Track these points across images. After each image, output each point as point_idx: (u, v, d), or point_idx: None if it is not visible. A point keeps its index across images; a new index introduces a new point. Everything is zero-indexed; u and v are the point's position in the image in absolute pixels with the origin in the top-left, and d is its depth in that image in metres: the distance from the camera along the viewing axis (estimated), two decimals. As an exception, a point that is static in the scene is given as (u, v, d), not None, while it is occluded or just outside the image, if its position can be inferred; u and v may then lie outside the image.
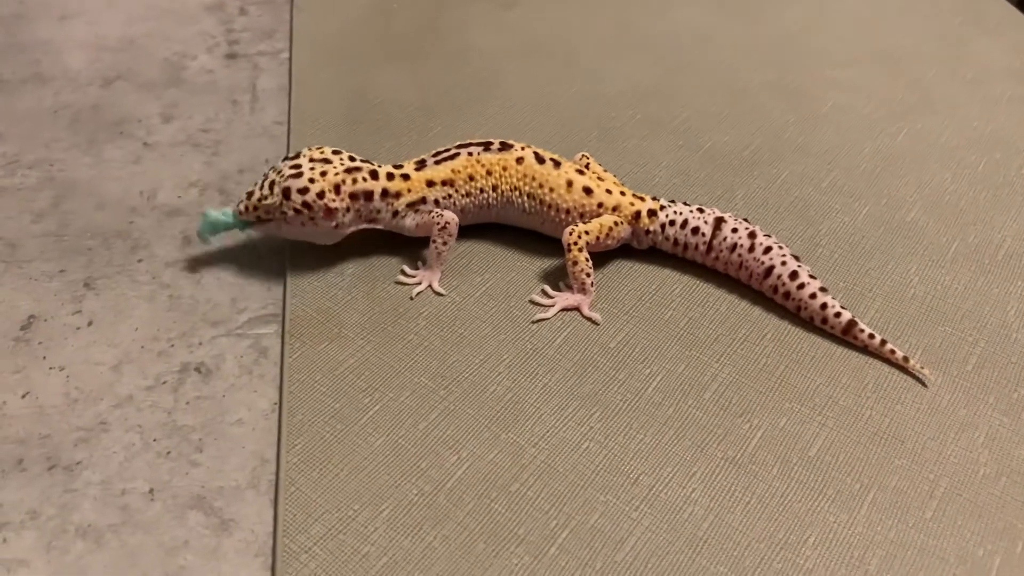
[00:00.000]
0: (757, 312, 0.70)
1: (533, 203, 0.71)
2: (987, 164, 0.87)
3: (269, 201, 0.67)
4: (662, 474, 0.59)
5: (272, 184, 0.67)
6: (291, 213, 0.67)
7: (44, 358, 0.66)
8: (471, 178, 0.70)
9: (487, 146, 0.71)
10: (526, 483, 0.58)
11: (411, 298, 0.70)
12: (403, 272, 0.72)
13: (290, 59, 0.97)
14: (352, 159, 0.69)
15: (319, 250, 0.73)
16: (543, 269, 0.73)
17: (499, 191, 0.71)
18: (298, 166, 0.67)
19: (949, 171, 0.86)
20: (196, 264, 0.73)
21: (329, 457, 0.59)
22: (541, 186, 0.70)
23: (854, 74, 0.99)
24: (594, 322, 0.69)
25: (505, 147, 0.71)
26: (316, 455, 0.59)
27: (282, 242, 0.75)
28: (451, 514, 0.56)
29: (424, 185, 0.70)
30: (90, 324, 0.68)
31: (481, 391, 0.64)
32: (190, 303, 0.70)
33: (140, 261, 0.74)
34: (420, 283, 0.71)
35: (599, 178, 0.72)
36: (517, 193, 0.71)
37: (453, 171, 0.70)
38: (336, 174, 0.67)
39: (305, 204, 0.67)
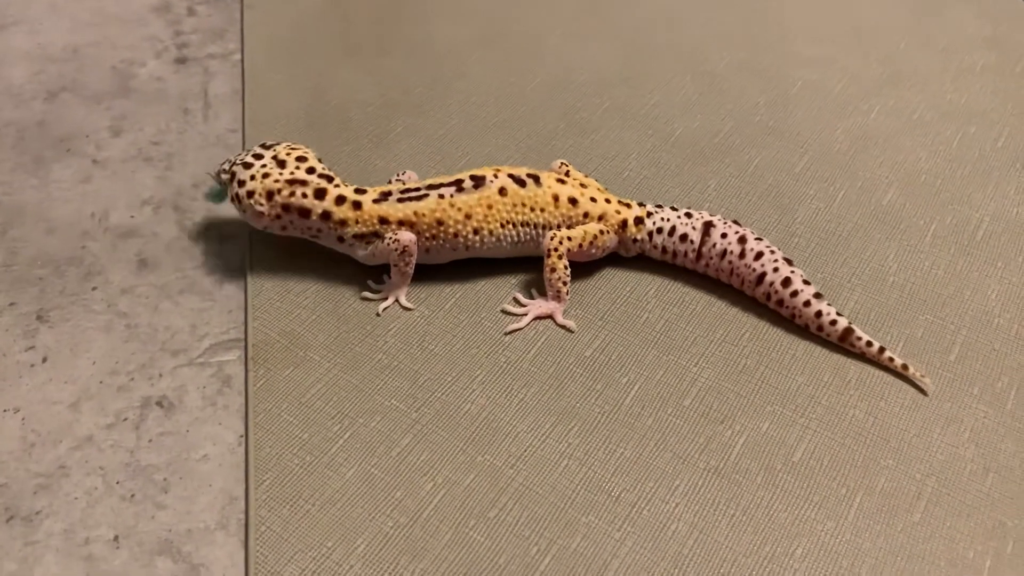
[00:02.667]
0: (734, 311, 0.68)
1: (527, 230, 0.68)
2: (962, 139, 0.85)
3: (224, 177, 0.69)
4: (644, 489, 0.58)
5: (231, 163, 0.68)
6: (232, 196, 0.67)
7: (-3, 400, 0.63)
8: (440, 223, 0.66)
9: (458, 185, 0.67)
10: (504, 508, 0.56)
11: (378, 314, 0.68)
12: (369, 287, 0.70)
13: (242, 61, 0.94)
14: (311, 171, 0.67)
15: (281, 268, 0.71)
16: (515, 277, 0.71)
17: (483, 233, 0.67)
18: (259, 156, 0.67)
19: (924, 148, 0.84)
20: (153, 289, 0.71)
21: (299, 492, 0.57)
22: (532, 210, 0.67)
23: (825, 51, 0.96)
24: (569, 330, 0.67)
25: (478, 182, 0.67)
26: (286, 490, 0.57)
27: (242, 262, 0.72)
28: (428, 546, 0.54)
29: (376, 221, 0.66)
30: (45, 360, 0.65)
31: (455, 411, 0.62)
32: (148, 332, 0.68)
33: (95, 289, 0.71)
34: (387, 298, 0.69)
35: (582, 185, 0.69)
36: (510, 227, 0.67)
37: (416, 214, 0.66)
38: (275, 181, 0.66)
39: (237, 196, 0.67)
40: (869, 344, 0.64)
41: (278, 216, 0.66)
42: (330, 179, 0.67)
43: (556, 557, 0.54)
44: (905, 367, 0.63)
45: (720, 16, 1.02)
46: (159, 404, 0.63)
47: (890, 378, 0.64)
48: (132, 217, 0.77)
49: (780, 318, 0.67)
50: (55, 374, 0.65)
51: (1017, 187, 0.80)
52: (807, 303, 0.65)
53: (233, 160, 0.69)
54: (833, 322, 0.64)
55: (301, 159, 0.67)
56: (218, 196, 0.72)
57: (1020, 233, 0.75)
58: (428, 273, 0.70)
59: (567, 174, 0.71)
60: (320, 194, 0.66)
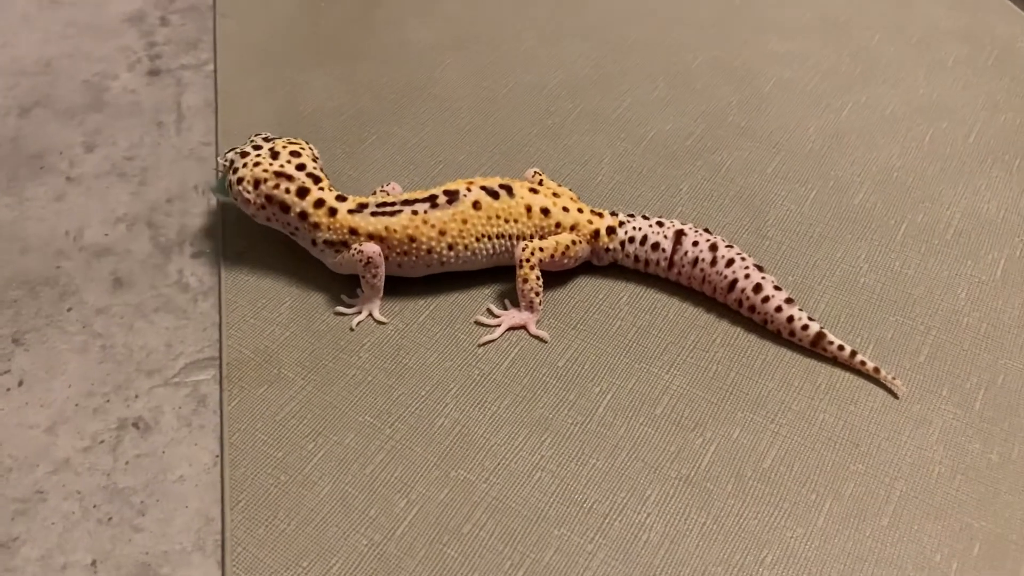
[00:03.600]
0: (706, 317, 0.69)
1: (501, 242, 0.68)
2: (933, 135, 0.85)
3: (221, 163, 0.71)
4: (616, 500, 0.58)
5: (233, 151, 0.71)
6: (228, 182, 0.70)
7: (-26, 426, 0.63)
8: (412, 239, 0.66)
9: (432, 201, 0.67)
10: (478, 523, 0.57)
11: (351, 329, 0.68)
12: (342, 301, 0.70)
13: (215, 71, 0.93)
14: (300, 168, 0.68)
15: (255, 284, 0.71)
16: (488, 288, 0.71)
17: (457, 248, 0.67)
18: (258, 147, 0.70)
19: (896, 145, 0.84)
20: (128, 309, 0.71)
21: (275, 512, 0.58)
22: (506, 221, 0.68)
23: (797, 46, 0.96)
24: (542, 340, 0.67)
25: (452, 196, 0.67)
26: (261, 510, 0.58)
27: (216, 279, 0.72)
28: (403, 564, 0.55)
29: (347, 230, 0.67)
30: (20, 384, 0.66)
31: (428, 425, 0.62)
32: (123, 352, 0.68)
33: (70, 310, 0.71)
34: (360, 312, 0.69)
35: (554, 194, 0.70)
36: (485, 240, 0.68)
37: (387, 229, 0.66)
38: (264, 170, 0.68)
39: (230, 183, 0.69)
40: (841, 348, 0.64)
41: (262, 206, 0.68)
42: (317, 180, 0.68)
43: (529, 570, 0.55)
44: (877, 370, 0.63)
45: (693, 12, 1.02)
46: (135, 426, 0.63)
47: (860, 381, 0.64)
48: (106, 235, 0.77)
49: (752, 324, 0.68)
50: (31, 398, 0.65)
51: (987, 183, 0.80)
52: (779, 308, 0.65)
53: (234, 148, 0.71)
54: (805, 327, 0.65)
55: (295, 154, 0.69)
56: (222, 190, 0.72)
57: (989, 230, 0.76)
58: (402, 286, 0.70)
59: (540, 183, 0.72)
60: (302, 193, 0.67)
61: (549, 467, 0.60)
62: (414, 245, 0.67)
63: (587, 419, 0.63)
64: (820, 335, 0.64)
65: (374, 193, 0.72)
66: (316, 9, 1.02)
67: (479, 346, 0.67)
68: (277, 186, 0.67)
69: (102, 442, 0.62)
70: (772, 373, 0.65)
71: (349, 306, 0.69)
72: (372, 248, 0.66)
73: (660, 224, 0.70)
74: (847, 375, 0.65)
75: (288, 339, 0.68)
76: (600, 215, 0.70)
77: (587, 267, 0.72)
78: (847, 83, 0.91)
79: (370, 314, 0.69)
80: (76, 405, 0.64)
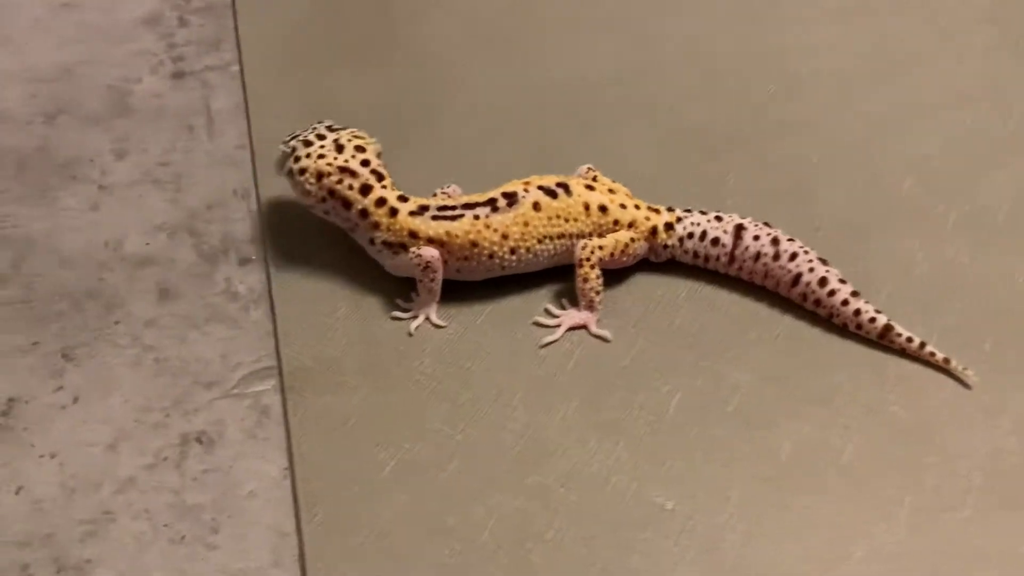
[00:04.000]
0: (767, 311, 0.68)
1: (562, 242, 0.67)
2: (973, 121, 0.85)
3: (283, 148, 0.69)
4: (697, 502, 0.58)
5: (296, 138, 0.69)
6: (288, 170, 0.68)
7: (33, 445, 0.62)
8: (474, 244, 0.65)
9: (492, 205, 0.66)
10: (560, 529, 0.56)
11: (410, 334, 0.67)
12: (398, 305, 0.69)
13: (241, 73, 0.91)
14: (365, 163, 0.67)
15: (307, 290, 0.70)
16: (544, 288, 0.70)
17: (520, 251, 0.66)
18: (322, 136, 0.68)
19: (935, 132, 0.84)
20: (178, 319, 0.69)
21: (352, 524, 0.57)
22: (566, 221, 0.67)
23: (829, 34, 0.95)
24: (604, 340, 0.67)
25: (511, 199, 0.66)
26: (339, 523, 0.57)
27: (265, 286, 0.71)
28: (487, 573, 0.54)
29: (406, 234, 0.66)
30: (76, 401, 0.64)
31: (499, 430, 0.61)
32: (178, 364, 0.66)
33: (117, 323, 0.69)
34: (416, 316, 0.68)
35: (610, 191, 0.69)
36: (547, 241, 0.67)
37: (448, 234, 0.65)
38: (328, 164, 0.66)
39: (291, 171, 0.67)
40: (909, 340, 0.64)
41: (323, 199, 0.67)
42: (380, 177, 0.67)
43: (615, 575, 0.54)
44: (947, 360, 0.63)
45: (719, 1, 1.01)
46: (198, 440, 0.62)
47: (929, 372, 0.64)
48: (147, 244, 0.75)
49: (815, 317, 0.67)
50: (88, 415, 0.63)
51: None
52: (845, 302, 0.65)
53: (296, 134, 0.70)
54: (872, 319, 0.64)
55: (360, 149, 0.67)
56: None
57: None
58: (456, 288, 0.69)
59: (595, 179, 0.71)
60: (365, 190, 0.66)
61: (625, 470, 0.59)
62: (476, 250, 0.66)
63: (658, 420, 0.62)
64: (888, 327, 0.64)
65: (434, 195, 0.71)
66: (333, 6, 1.00)
67: (540, 348, 0.66)
68: (340, 181, 0.66)
69: (166, 459, 0.61)
70: (839, 366, 0.65)
71: (405, 310, 0.68)
72: (431, 253, 0.65)
73: (719, 219, 0.69)
74: (914, 366, 0.64)
75: (347, 346, 0.66)
76: (657, 211, 0.69)
77: (643, 263, 0.71)
78: (881, 70, 0.91)
79: (427, 318, 0.68)
80: (135, 421, 0.63)
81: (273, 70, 0.91)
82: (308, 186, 0.66)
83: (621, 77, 0.90)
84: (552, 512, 0.57)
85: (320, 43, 0.95)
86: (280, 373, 0.65)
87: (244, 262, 0.74)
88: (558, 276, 0.70)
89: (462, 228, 0.65)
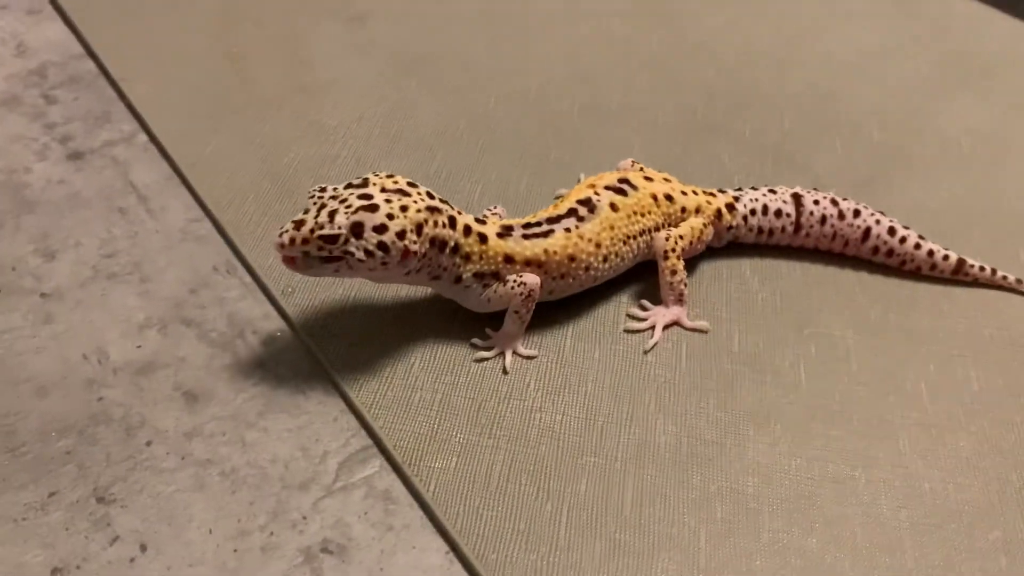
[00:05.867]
0: (834, 271, 0.68)
1: (643, 239, 0.63)
2: (899, 70, 0.91)
3: (328, 232, 0.53)
4: (877, 462, 0.56)
5: (333, 213, 0.53)
6: (359, 254, 0.54)
7: (114, 618, 0.48)
8: (572, 259, 0.60)
9: (575, 215, 0.61)
10: (775, 530, 0.52)
11: (505, 372, 0.60)
12: (475, 346, 0.61)
13: (156, 141, 0.79)
14: (431, 195, 0.57)
15: (360, 353, 0.60)
16: (614, 294, 0.65)
17: (611, 258, 0.62)
18: (368, 196, 0.54)
19: (877, 82, 0.89)
20: (224, 423, 0.57)
21: (558, 587, 0.49)
22: (642, 216, 0.63)
23: (754, 6, 0.99)
24: (702, 331, 0.63)
25: (589, 205, 0.61)
26: (543, 592, 0.49)
27: (308, 360, 0.61)
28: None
29: (501, 259, 0.59)
30: (144, 549, 0.51)
31: (652, 447, 0.56)
32: (254, 472, 0.55)
33: (149, 444, 0.56)
34: (505, 353, 0.61)
35: (665, 179, 0.65)
36: (631, 242, 0.62)
37: (547, 252, 0.59)
38: (418, 211, 0.55)
39: (381, 245, 0.54)
40: (982, 269, 0.66)
41: (424, 254, 0.56)
42: (445, 202, 0.58)
43: (837, 543, 0.51)
44: (1020, 281, 0.66)
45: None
46: (325, 551, 0.51)
47: (994, 294, 0.67)
48: (139, 347, 0.62)
49: (881, 268, 0.68)
50: (169, 560, 0.50)
51: (974, 99, 0.87)
52: (917, 245, 0.66)
53: (325, 206, 0.54)
54: (946, 257, 0.66)
55: (411, 185, 0.57)
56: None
57: (996, 142, 0.82)
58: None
59: (641, 170, 0.67)
60: (452, 223, 0.57)
61: (793, 451, 0.56)
62: (573, 265, 0.60)
63: (796, 394, 0.60)
64: (961, 261, 0.66)
65: (485, 216, 0.64)
66: (231, 55, 0.89)
67: (646, 353, 0.62)
68: (436, 223, 0.56)
69: (297, 582, 0.50)
70: (925, 307, 0.66)
71: (487, 348, 0.61)
72: (534, 279, 0.59)
73: (772, 191, 0.68)
74: (985, 292, 0.67)
75: (441, 402, 0.58)
76: (712, 194, 0.67)
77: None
78: (812, 30, 0.95)
79: (514, 352, 0.61)
80: (234, 551, 0.51)
81: (192, 132, 0.79)
82: (412, 246, 0.54)
83: (576, 80, 0.88)
84: (756, 512, 0.53)
85: (229, 95, 0.84)
86: (384, 451, 0.56)
87: (269, 341, 0.62)
88: (623, 280, 0.66)
89: (559, 243, 0.60)
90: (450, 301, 0.63)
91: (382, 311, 0.64)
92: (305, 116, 0.82)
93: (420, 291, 0.65)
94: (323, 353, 0.61)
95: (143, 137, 0.80)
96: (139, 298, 0.65)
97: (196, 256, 0.69)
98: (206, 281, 0.67)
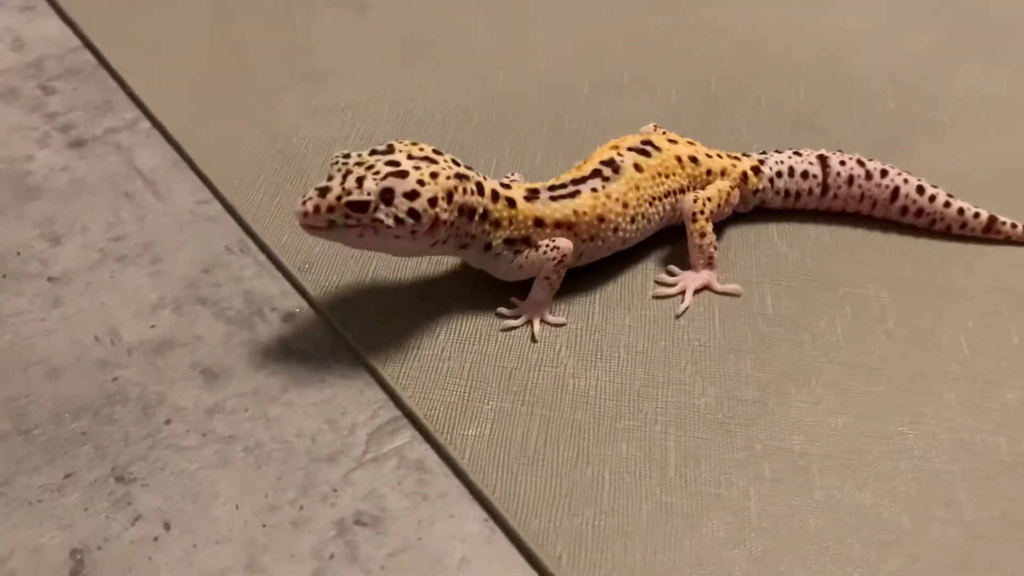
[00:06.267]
0: (861, 233, 0.67)
1: (669, 200, 0.61)
2: (904, 38, 0.90)
3: (357, 198, 0.51)
4: (924, 417, 0.54)
5: (361, 179, 0.51)
6: (388, 221, 0.51)
7: (141, 599, 0.45)
8: (601, 219, 0.58)
9: (600, 175, 0.59)
10: (826, 486, 0.50)
11: (534, 340, 0.58)
12: (502, 316, 0.59)
13: (161, 128, 0.76)
14: (456, 163, 0.55)
15: (387, 326, 0.58)
16: (639, 261, 0.64)
17: (638, 220, 0.60)
18: (396, 163, 0.52)
19: (878, 51, 0.88)
20: (246, 399, 0.55)
21: (606, 551, 0.47)
22: (667, 177, 0.61)
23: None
24: (735, 294, 0.61)
25: (613, 166, 0.60)
26: (588, 556, 0.47)
27: (330, 333, 0.58)
28: (767, 555, 0.47)
29: (531, 223, 0.57)
30: (168, 528, 0.48)
31: (692, 409, 0.54)
32: (280, 447, 0.52)
33: (168, 422, 0.54)
34: (532, 320, 0.59)
35: (690, 143, 0.64)
36: (657, 203, 0.61)
37: (576, 213, 0.57)
38: (448, 178, 0.53)
39: (412, 212, 0.52)
40: (1014, 226, 0.65)
41: (452, 223, 0.54)
42: (471, 169, 0.56)
43: (895, 496, 0.49)
44: None
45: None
46: (359, 523, 0.49)
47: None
48: (152, 327, 0.59)
49: (909, 229, 0.67)
50: (195, 537, 0.48)
51: (986, 65, 0.86)
52: (947, 203, 0.65)
53: (351, 173, 0.52)
54: (976, 215, 0.65)
55: (437, 152, 0.55)
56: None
57: (1014, 106, 0.81)
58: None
59: (664, 134, 0.66)
60: (480, 189, 0.55)
61: (837, 409, 0.54)
62: (603, 226, 0.58)
63: (835, 352, 0.58)
64: (992, 219, 0.65)
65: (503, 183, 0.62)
66: (232, 43, 0.88)
67: (677, 317, 0.60)
68: (466, 190, 0.54)
69: (332, 557, 0.47)
70: (956, 264, 0.64)
71: (516, 317, 0.59)
72: (567, 243, 0.57)
73: (798, 154, 0.67)
74: (1017, 250, 0.65)
75: (471, 371, 0.56)
76: (737, 158, 0.65)
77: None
78: (818, 2, 0.95)
79: (542, 320, 0.59)
80: (263, 526, 0.48)
81: (197, 116, 0.77)
82: (443, 214, 0.52)
83: (579, 60, 0.86)
84: (801, 471, 0.51)
85: (232, 82, 0.82)
86: (415, 421, 0.53)
87: (289, 317, 0.60)
88: (646, 244, 0.64)
89: (587, 204, 0.58)
90: (472, 272, 0.61)
91: (402, 284, 0.62)
92: (310, 100, 0.80)
93: (441, 264, 0.63)
94: (345, 327, 0.59)
95: (146, 124, 0.78)
96: (151, 279, 0.63)
97: (207, 237, 0.67)
98: (219, 261, 0.65)
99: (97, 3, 0.92)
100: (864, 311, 0.61)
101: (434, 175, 0.52)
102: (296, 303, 0.61)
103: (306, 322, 0.60)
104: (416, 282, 0.62)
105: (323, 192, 0.52)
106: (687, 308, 0.60)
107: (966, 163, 0.74)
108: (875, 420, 0.54)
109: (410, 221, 0.52)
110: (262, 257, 0.65)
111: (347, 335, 0.58)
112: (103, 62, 0.85)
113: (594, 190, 0.58)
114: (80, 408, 0.54)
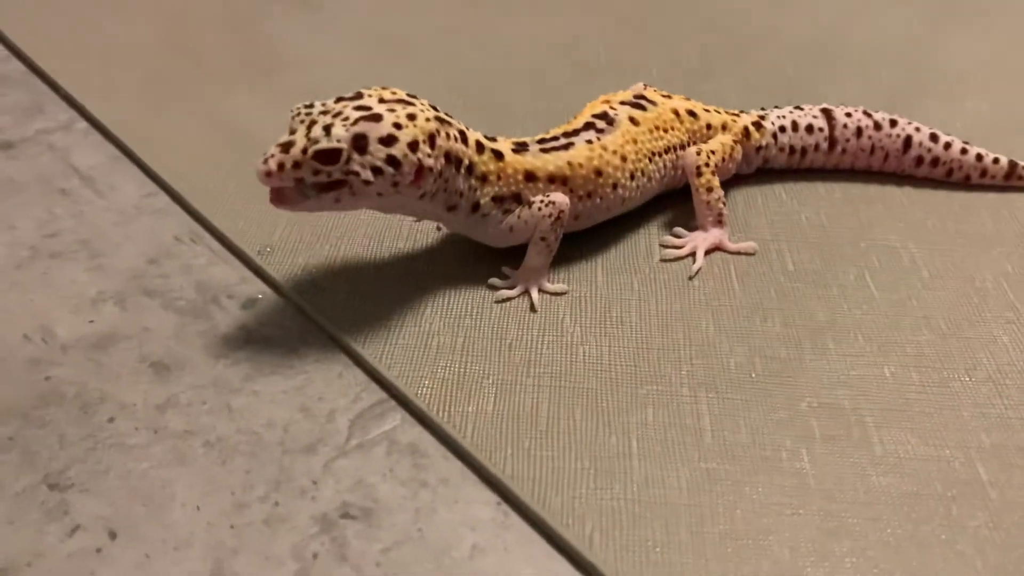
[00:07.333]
0: (874, 189, 0.62)
1: (669, 157, 0.55)
2: (886, 11, 0.87)
3: (325, 146, 0.43)
4: (980, 362, 0.48)
5: (328, 128, 0.43)
6: (365, 173, 0.44)
7: (82, 620, 0.37)
8: (599, 173, 0.52)
9: (593, 128, 0.53)
10: (886, 440, 0.44)
11: (533, 310, 0.51)
12: (495, 287, 0.52)
13: (98, 126, 0.69)
14: (435, 108, 0.48)
15: (361, 306, 0.51)
16: (641, 226, 0.58)
17: (638, 176, 0.54)
18: (367, 107, 0.45)
19: (866, 21, 0.84)
20: (203, 390, 0.47)
21: (644, 526, 0.39)
22: (665, 131, 0.55)
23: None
24: (749, 253, 0.55)
25: (606, 119, 0.54)
26: (623, 533, 0.39)
27: (298, 317, 0.51)
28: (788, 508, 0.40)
29: (522, 177, 0.50)
30: (113, 536, 0.40)
31: (721, 369, 0.47)
32: (246, 439, 0.44)
33: (111, 420, 0.45)
34: (530, 290, 0.52)
35: (685, 99, 0.59)
36: (657, 159, 0.55)
37: (571, 165, 0.51)
38: (427, 120, 0.46)
39: (391, 160, 0.44)
40: None
41: (440, 174, 0.47)
42: (451, 116, 0.49)
43: (963, 450, 0.42)
44: None
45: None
46: (347, 516, 0.41)
47: (1051, 194, 0.61)
48: (91, 322, 0.51)
49: (920, 181, 0.62)
50: (147, 546, 0.39)
51: (974, 35, 0.82)
52: (964, 150, 0.60)
53: (316, 123, 0.44)
54: (996, 160, 0.60)
55: (411, 95, 0.48)
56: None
57: (1008, 68, 0.77)
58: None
59: (655, 91, 0.60)
60: (463, 137, 0.48)
61: (883, 360, 0.48)
62: (600, 180, 0.52)
63: (869, 305, 0.52)
64: (1013, 164, 0.60)
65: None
66: (189, 32, 0.82)
67: (690, 279, 0.54)
68: (449, 136, 0.47)
69: (316, 556, 0.39)
70: (975, 212, 0.59)
71: (511, 287, 0.52)
72: (563, 199, 0.51)
73: (800, 108, 0.62)
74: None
75: (465, 345, 0.49)
76: (737, 114, 0.60)
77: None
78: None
79: (540, 289, 0.52)
80: (231, 527, 0.40)
81: (139, 115, 0.70)
82: (427, 160, 0.45)
83: (557, 44, 0.81)
84: (870, 427, 0.44)
85: (179, 80, 0.75)
86: (405, 403, 0.46)
87: (249, 304, 0.53)
88: (646, 207, 0.58)
89: (582, 155, 0.52)
90: (455, 246, 0.55)
91: (378, 263, 0.55)
92: (267, 92, 0.74)
93: (419, 239, 0.56)
94: (316, 310, 0.51)
95: (82, 124, 0.71)
96: (89, 273, 0.55)
97: (155, 229, 0.59)
98: (168, 251, 0.57)
99: (24, 13, 0.86)
100: (893, 262, 0.55)
101: (411, 116, 0.46)
102: (258, 288, 0.54)
103: (270, 308, 0.53)
104: (393, 260, 0.55)
105: (286, 147, 0.45)
106: (700, 269, 0.54)
107: (972, 118, 0.70)
108: (927, 368, 0.48)
109: (390, 170, 0.45)
110: (216, 245, 0.58)
111: (319, 318, 0.51)
112: (33, 68, 0.78)
113: (588, 142, 0.52)
114: (5, 412, 0.46)
